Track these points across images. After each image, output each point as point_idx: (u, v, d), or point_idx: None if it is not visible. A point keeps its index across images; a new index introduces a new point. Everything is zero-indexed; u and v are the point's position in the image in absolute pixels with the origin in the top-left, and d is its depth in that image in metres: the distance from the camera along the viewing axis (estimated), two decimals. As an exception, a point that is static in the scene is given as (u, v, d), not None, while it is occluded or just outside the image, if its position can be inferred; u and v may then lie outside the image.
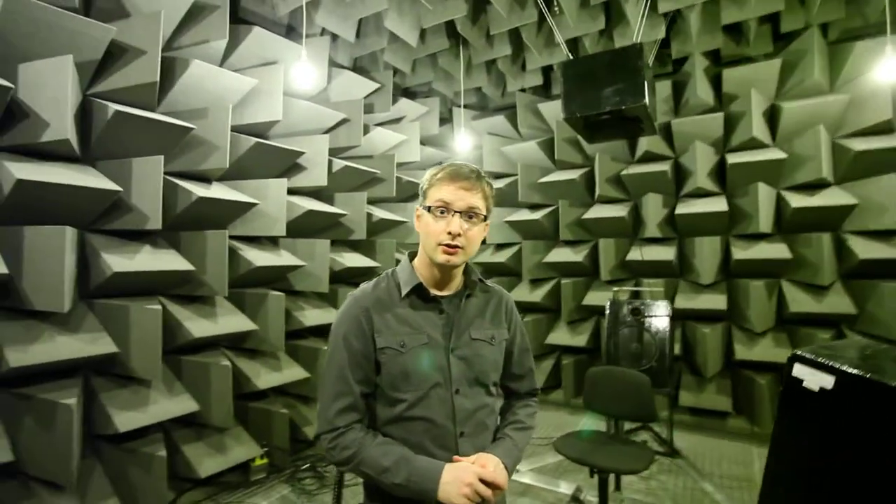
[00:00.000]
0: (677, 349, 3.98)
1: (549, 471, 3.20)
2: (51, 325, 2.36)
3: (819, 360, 1.45)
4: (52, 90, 2.25)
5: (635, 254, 4.16)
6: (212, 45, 2.98)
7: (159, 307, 2.60)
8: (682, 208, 4.04)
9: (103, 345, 2.46)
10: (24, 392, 2.29)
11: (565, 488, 2.87)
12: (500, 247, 5.10)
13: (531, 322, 4.74)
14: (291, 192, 3.56)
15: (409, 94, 4.99)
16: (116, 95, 2.60)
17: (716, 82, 4.06)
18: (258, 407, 3.30)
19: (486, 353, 1.18)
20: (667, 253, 4.09)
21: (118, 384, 2.65)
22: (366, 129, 4.15)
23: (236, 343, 3.27)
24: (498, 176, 5.13)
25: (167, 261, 2.75)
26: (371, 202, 4.33)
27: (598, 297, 4.36)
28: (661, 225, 4.18)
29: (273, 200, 3.29)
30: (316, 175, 3.61)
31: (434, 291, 1.15)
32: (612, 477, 2.74)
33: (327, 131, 3.86)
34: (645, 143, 4.14)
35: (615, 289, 4.17)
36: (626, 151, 4.38)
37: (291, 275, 3.61)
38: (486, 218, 1.16)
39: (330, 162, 3.76)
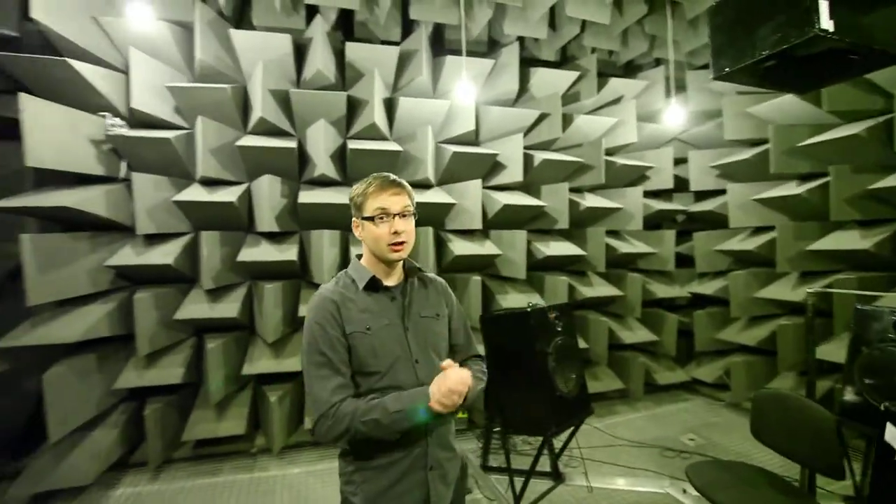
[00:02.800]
0: None
1: None
2: None
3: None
4: (317, 142, 3.49)
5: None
6: (420, 81, 3.78)
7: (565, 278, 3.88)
8: None
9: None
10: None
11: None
12: (758, 230, 4.11)
13: (790, 327, 3.68)
14: (497, 188, 4.07)
15: (633, 68, 4.63)
16: (361, 135, 3.72)
17: None
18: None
19: (434, 328, 1.41)
20: None
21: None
22: (571, 119, 4.20)
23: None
24: (753, 143, 4.13)
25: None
26: (581, 190, 4.35)
27: (900, 301, 3.01)
28: None
29: (472, 199, 3.88)
30: (512, 172, 3.98)
31: (384, 282, 1.36)
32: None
33: (530, 128, 4.15)
34: None
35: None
36: (962, 79, 2.82)
37: (499, 262, 4.11)
38: (415, 213, 1.37)
39: (531, 157, 4.06)
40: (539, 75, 4.07)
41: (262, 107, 3.30)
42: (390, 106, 3.84)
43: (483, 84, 4.08)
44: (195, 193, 3.19)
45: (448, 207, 3.83)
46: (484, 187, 4.09)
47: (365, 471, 1.29)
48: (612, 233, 4.47)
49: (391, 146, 3.61)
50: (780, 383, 3.88)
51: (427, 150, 3.71)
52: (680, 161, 4.65)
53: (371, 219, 1.30)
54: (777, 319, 3.88)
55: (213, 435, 3.27)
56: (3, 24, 2.80)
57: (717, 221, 4.37)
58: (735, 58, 2.01)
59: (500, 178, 4.06)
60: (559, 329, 2.54)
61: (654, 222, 4.69)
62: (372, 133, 3.66)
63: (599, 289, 4.23)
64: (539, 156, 4.02)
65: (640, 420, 4.08)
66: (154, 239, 3.25)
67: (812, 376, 2.39)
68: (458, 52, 3.95)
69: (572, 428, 2.74)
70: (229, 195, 3.26)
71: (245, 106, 3.55)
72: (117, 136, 3.03)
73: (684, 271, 4.68)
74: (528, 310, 2.48)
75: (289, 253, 3.43)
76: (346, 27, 3.95)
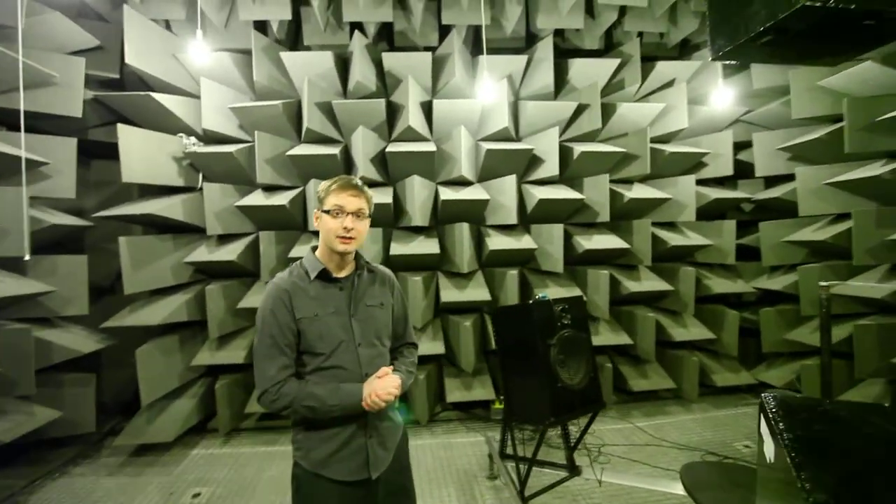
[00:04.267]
0: None
1: None
2: (463, 280, 3.93)
3: (770, 414, 0.93)
4: (358, 148, 3.78)
5: None
6: (454, 82, 3.91)
7: (607, 272, 3.91)
8: None
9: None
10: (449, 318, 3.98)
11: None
12: (835, 219, 3.63)
13: (872, 327, 3.23)
14: (536, 183, 4.09)
15: (690, 48, 4.33)
16: (402, 137, 3.95)
17: None
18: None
19: (378, 315, 1.55)
20: None
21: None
22: (615, 109, 4.06)
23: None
24: (830, 120, 3.66)
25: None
26: (630, 181, 4.18)
27: None
28: None
29: (508, 194, 3.93)
30: (549, 166, 3.97)
31: (334, 274, 1.51)
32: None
33: (572, 121, 4.10)
34: None
35: None
36: None
37: (539, 256, 4.12)
38: (369, 216, 1.52)
39: (569, 151, 4.01)
40: (577, 66, 4.00)
41: (308, 118, 3.69)
42: (430, 108, 4.03)
43: (521, 79, 4.12)
44: (253, 199, 3.66)
45: (483, 203, 3.93)
46: (524, 182, 4.14)
47: (311, 440, 1.45)
48: (667, 224, 4.24)
49: (426, 147, 3.80)
50: (861, 392, 3.43)
51: (461, 149, 3.84)
52: (746, 145, 4.25)
53: (328, 212, 1.45)
54: (857, 319, 3.42)
55: (272, 409, 3.73)
56: (108, 70, 3.48)
57: (786, 210, 3.94)
58: (730, 36, 1.88)
59: (539, 173, 4.07)
60: (566, 322, 2.55)
61: (716, 212, 4.35)
62: (411, 135, 3.88)
63: (647, 283, 4.05)
64: (578, 148, 3.95)
65: (693, 422, 3.85)
66: (225, 239, 3.79)
67: (827, 376, 2.13)
68: (495, 52, 4.05)
69: (587, 420, 2.72)
70: (282, 199, 3.68)
71: (299, 118, 3.98)
72: (193, 153, 3.59)
73: (751, 265, 4.28)
74: (531, 302, 2.53)
75: (334, 249, 3.77)
76: (389, 38, 4.22)
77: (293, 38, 4.12)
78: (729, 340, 4.12)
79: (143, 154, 3.33)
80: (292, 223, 3.88)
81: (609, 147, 3.98)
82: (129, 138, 3.23)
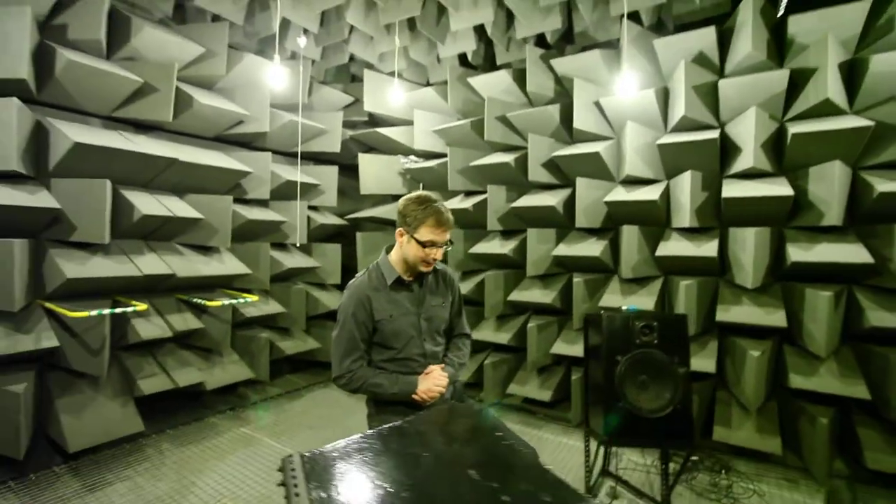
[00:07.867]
0: None
1: None
2: (633, 286, 3.85)
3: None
4: (532, 152, 4.06)
5: None
6: (626, 76, 3.66)
7: (829, 294, 2.89)
8: None
9: (779, 319, 3.09)
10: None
11: None
12: None
13: None
14: (738, 176, 3.38)
15: None
16: (577, 139, 4.01)
17: None
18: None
19: (441, 313, 1.82)
20: None
21: (801, 354, 3.18)
22: (866, 65, 2.89)
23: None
24: None
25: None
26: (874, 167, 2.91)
27: None
28: None
29: (685, 192, 3.42)
30: (745, 156, 3.21)
31: (406, 279, 1.77)
32: None
33: (796, 96, 3.17)
34: None
35: None
36: None
37: (733, 266, 3.39)
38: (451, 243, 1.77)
39: (783, 131, 3.13)
40: (798, 23, 3.04)
41: (487, 132, 4.22)
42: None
43: (719, 54, 3.45)
44: (448, 204, 4.48)
45: (651, 204, 3.52)
46: (725, 177, 3.48)
47: (383, 412, 1.76)
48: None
49: (588, 148, 3.77)
50: None
51: (626, 145, 3.61)
52: None
53: (421, 243, 1.64)
54: None
55: (530, 396, 4.13)
56: (361, 114, 4.97)
57: None
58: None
59: (739, 165, 3.33)
60: (647, 340, 2.23)
61: None
62: (583, 137, 3.93)
63: (909, 316, 2.74)
64: (791, 129, 3.04)
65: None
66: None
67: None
68: (686, 28, 3.56)
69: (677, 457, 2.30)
70: (467, 203, 4.37)
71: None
72: (410, 168, 4.71)
73: None
74: (602, 313, 2.35)
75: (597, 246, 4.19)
76: (573, 41, 4.25)
77: (491, 61, 4.70)
78: None
79: (375, 173, 4.65)
80: (478, 223, 4.51)
81: (842, 122, 2.87)
82: (365, 162, 4.58)
